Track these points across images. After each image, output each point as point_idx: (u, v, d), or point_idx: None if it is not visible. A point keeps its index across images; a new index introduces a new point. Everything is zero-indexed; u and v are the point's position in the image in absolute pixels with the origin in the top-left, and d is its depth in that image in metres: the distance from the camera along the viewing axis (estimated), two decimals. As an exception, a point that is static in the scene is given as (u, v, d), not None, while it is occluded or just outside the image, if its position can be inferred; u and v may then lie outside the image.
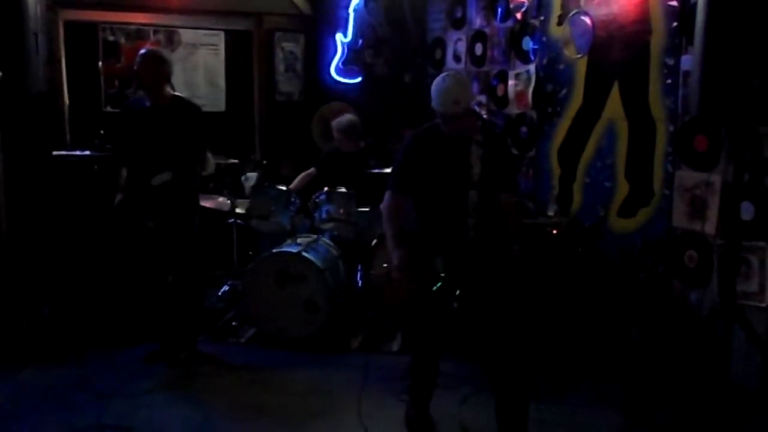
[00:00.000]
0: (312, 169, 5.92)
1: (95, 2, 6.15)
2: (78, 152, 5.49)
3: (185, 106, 4.39)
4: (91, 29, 6.25)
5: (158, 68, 4.24)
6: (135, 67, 4.27)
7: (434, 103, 3.25)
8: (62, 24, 6.07)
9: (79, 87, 6.26)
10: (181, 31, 6.51)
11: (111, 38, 6.30)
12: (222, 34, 6.69)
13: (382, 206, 3.47)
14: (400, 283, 3.27)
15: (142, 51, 4.34)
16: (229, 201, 5.47)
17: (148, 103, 4.35)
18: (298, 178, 5.93)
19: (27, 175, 5.02)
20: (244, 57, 6.82)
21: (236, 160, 5.78)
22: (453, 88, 3.19)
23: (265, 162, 5.51)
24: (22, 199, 5.01)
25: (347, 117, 5.83)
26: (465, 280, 3.16)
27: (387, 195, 3.47)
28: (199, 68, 6.60)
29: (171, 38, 6.47)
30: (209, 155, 4.52)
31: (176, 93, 4.43)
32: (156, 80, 4.24)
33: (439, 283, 3.13)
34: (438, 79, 3.26)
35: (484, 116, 5.61)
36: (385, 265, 3.45)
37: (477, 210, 3.07)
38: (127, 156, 4.44)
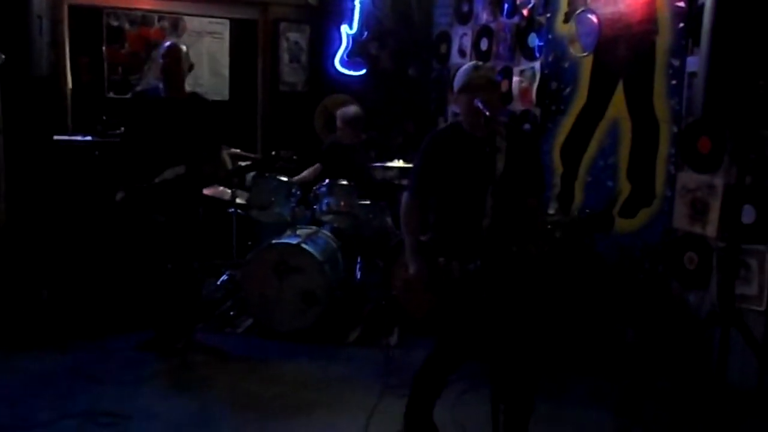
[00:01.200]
0: (317, 165, 5.92)
1: (100, -14, 6.13)
2: (80, 137, 5.46)
3: (202, 102, 4.48)
4: (95, 14, 6.22)
5: (183, 62, 4.36)
6: (160, 59, 4.32)
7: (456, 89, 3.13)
8: (66, 8, 6.04)
9: (82, 72, 6.24)
10: (186, 18, 6.48)
11: (115, 23, 6.27)
12: (227, 23, 6.66)
13: (400, 212, 3.35)
14: (420, 293, 3.21)
15: (168, 44, 4.44)
16: (229, 190, 5.46)
17: (163, 94, 4.39)
18: (304, 172, 5.93)
19: (28, 158, 5.01)
20: (249, 46, 6.79)
21: (238, 150, 5.77)
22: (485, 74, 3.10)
23: (295, 157, 5.52)
24: (22, 183, 5.00)
25: (353, 108, 5.83)
26: (480, 282, 3.03)
27: (405, 197, 3.35)
28: (203, 56, 6.57)
29: (176, 25, 6.44)
30: (225, 154, 4.54)
31: (192, 90, 4.55)
32: (181, 74, 4.36)
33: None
34: (466, 66, 3.15)
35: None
36: (404, 279, 3.38)
37: (493, 210, 2.93)
38: (138, 147, 4.43)
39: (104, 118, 5.64)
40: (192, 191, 4.42)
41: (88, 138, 5.31)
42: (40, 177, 5.09)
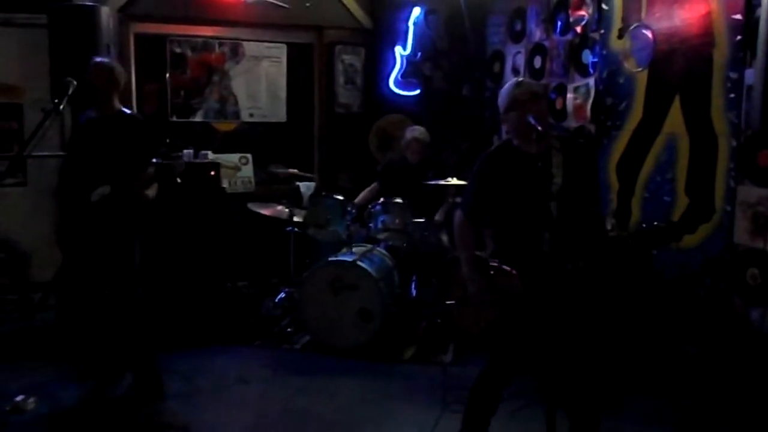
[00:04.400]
0: (374, 184, 6.02)
1: (164, 16, 6.36)
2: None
3: (129, 119, 4.23)
4: (159, 41, 6.48)
5: (110, 79, 4.14)
6: (86, 77, 4.08)
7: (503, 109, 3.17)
8: (133, 36, 6.31)
9: (147, 97, 6.49)
10: (245, 43, 6.68)
11: (178, 50, 6.51)
12: (284, 47, 6.83)
13: (454, 229, 3.38)
14: (478, 309, 3.21)
15: (95, 60, 4.21)
16: (287, 209, 5.58)
17: (93, 115, 4.21)
18: (363, 193, 6.03)
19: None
20: (305, 69, 6.96)
21: (295, 170, 5.91)
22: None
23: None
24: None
25: (422, 128, 5.90)
26: (545, 296, 3.00)
27: (458, 216, 3.35)
28: (262, 80, 6.76)
29: (235, 50, 6.65)
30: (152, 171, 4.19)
31: (123, 108, 4.26)
32: (106, 91, 4.13)
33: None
34: (507, 85, 3.17)
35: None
36: (459, 295, 3.35)
37: (555, 223, 2.86)
38: (75, 172, 4.22)
39: (168, 141, 5.84)
40: (123, 213, 4.07)
41: (153, 160, 5.48)
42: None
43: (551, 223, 2.87)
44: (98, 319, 4.27)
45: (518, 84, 3.16)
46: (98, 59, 4.23)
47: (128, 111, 4.31)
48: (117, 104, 4.21)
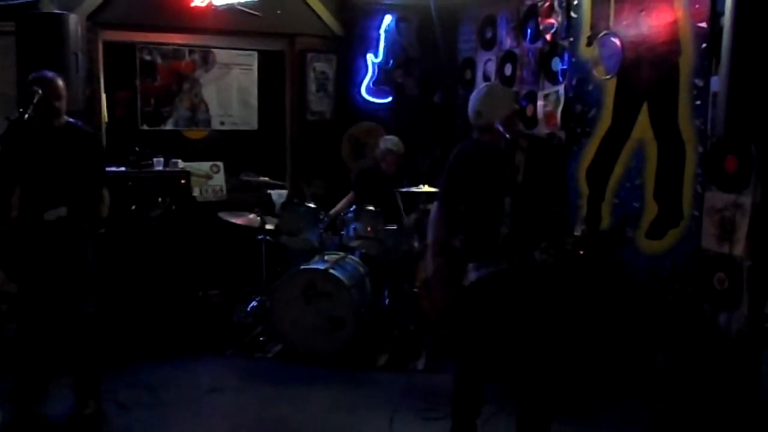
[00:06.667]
0: (351, 194, 6.02)
1: (134, 23, 6.30)
2: (114, 168, 5.60)
3: (80, 134, 4.00)
4: (129, 49, 6.41)
5: (61, 92, 3.88)
6: (36, 89, 3.76)
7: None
8: (102, 44, 6.24)
9: (116, 105, 6.42)
10: (215, 51, 6.64)
11: (148, 58, 6.45)
12: (255, 54, 6.80)
13: (430, 217, 3.55)
14: (436, 291, 3.33)
15: (46, 74, 3.87)
16: (259, 218, 5.55)
17: (40, 128, 3.88)
18: (340, 203, 6.02)
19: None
20: (277, 77, 6.93)
21: (267, 178, 5.88)
22: (477, 98, 3.33)
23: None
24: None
25: (395, 138, 5.92)
26: (496, 289, 3.14)
27: (435, 205, 3.55)
28: (233, 88, 6.72)
29: (206, 58, 6.61)
30: (106, 193, 4.02)
31: (70, 120, 4.02)
32: (58, 105, 3.86)
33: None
34: (478, 87, 3.35)
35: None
36: (424, 276, 3.52)
37: (511, 217, 3.03)
38: (14, 183, 3.96)
39: (137, 149, 5.79)
40: (77, 235, 3.88)
41: (122, 169, 5.44)
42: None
43: (507, 216, 3.04)
44: (54, 335, 4.07)
45: (477, 114, 3.34)
46: (48, 73, 3.90)
47: (77, 123, 4.07)
48: (64, 117, 3.95)
